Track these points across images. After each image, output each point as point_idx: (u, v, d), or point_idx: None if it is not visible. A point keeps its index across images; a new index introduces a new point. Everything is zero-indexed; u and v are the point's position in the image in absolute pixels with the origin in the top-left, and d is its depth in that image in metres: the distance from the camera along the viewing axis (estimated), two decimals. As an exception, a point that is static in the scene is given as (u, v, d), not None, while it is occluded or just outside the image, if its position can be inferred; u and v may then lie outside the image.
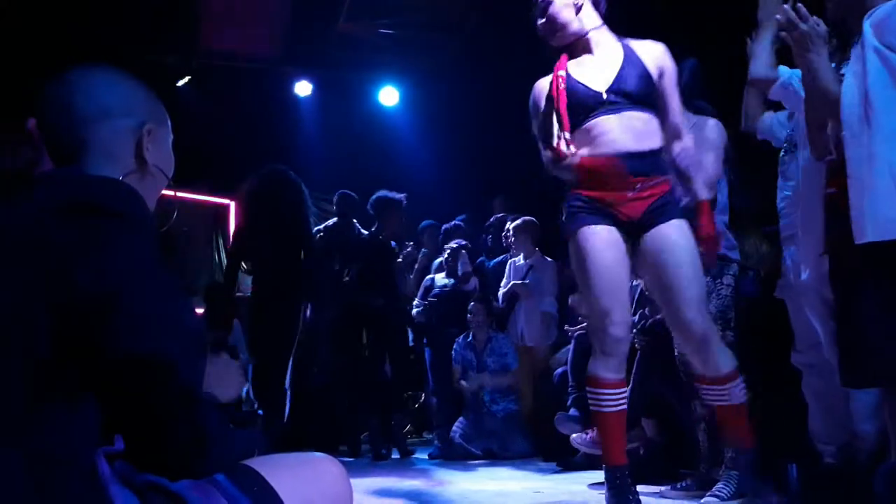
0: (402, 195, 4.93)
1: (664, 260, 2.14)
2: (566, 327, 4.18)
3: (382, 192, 4.92)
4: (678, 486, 2.77)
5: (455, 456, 4.51)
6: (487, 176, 6.74)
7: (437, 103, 7.34)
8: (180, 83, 7.15)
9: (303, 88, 7.55)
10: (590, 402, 2.21)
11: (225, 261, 9.21)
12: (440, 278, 5.24)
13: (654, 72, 2.20)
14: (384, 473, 3.94)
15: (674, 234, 2.15)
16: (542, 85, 2.36)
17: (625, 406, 2.21)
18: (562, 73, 2.25)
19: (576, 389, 3.97)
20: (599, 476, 3.26)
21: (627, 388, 2.20)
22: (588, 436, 3.20)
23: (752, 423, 2.23)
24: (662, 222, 2.15)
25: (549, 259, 5.02)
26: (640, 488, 2.96)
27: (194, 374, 0.92)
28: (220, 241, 9.24)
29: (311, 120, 7.62)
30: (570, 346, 4.10)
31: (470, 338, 4.86)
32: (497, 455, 4.48)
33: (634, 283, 3.10)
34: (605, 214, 2.17)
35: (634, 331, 3.31)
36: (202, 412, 0.91)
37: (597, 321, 2.15)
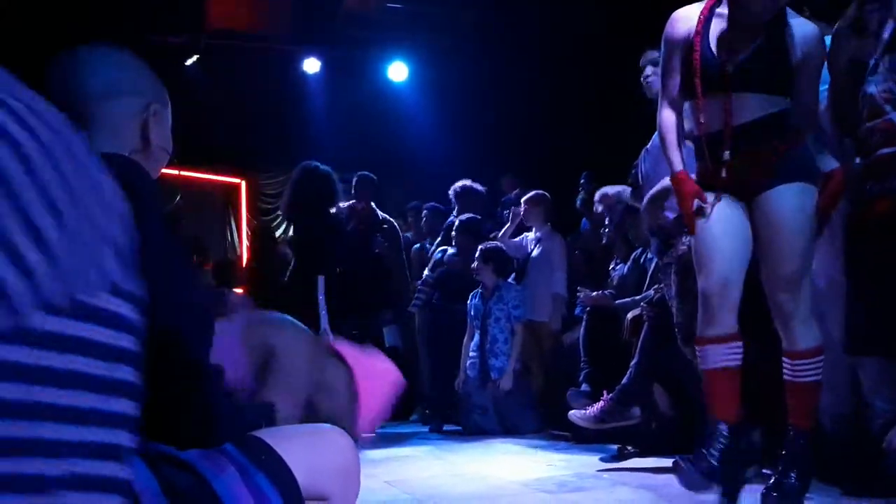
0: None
1: (765, 235, 2.11)
2: (578, 294, 4.16)
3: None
4: (688, 458, 2.77)
5: (469, 432, 4.54)
6: (497, 153, 6.71)
7: (446, 79, 7.29)
8: (188, 62, 7.15)
9: (311, 66, 7.52)
10: (699, 362, 2.17)
11: (236, 238, 9.30)
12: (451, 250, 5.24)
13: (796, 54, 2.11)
14: (392, 445, 3.97)
15: (783, 205, 2.10)
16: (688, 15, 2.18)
17: (730, 363, 2.09)
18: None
19: (588, 365, 3.99)
20: (612, 450, 3.31)
21: (735, 345, 2.09)
22: (588, 411, 3.21)
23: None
24: (776, 185, 2.09)
25: (558, 235, 5.01)
26: (651, 461, 3.00)
27: (203, 346, 0.92)
28: (232, 220, 9.29)
29: (319, 97, 7.60)
30: (582, 323, 4.10)
31: (480, 288, 4.85)
32: (511, 431, 4.51)
33: (649, 255, 3.08)
34: (725, 185, 2.12)
35: (643, 304, 3.31)
36: (211, 384, 0.92)
37: (697, 276, 2.13)
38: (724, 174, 2.10)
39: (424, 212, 5.81)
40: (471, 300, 4.88)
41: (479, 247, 4.81)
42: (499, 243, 4.90)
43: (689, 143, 2.29)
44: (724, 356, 2.10)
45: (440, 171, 6.45)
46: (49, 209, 0.36)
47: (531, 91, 6.51)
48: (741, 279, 2.09)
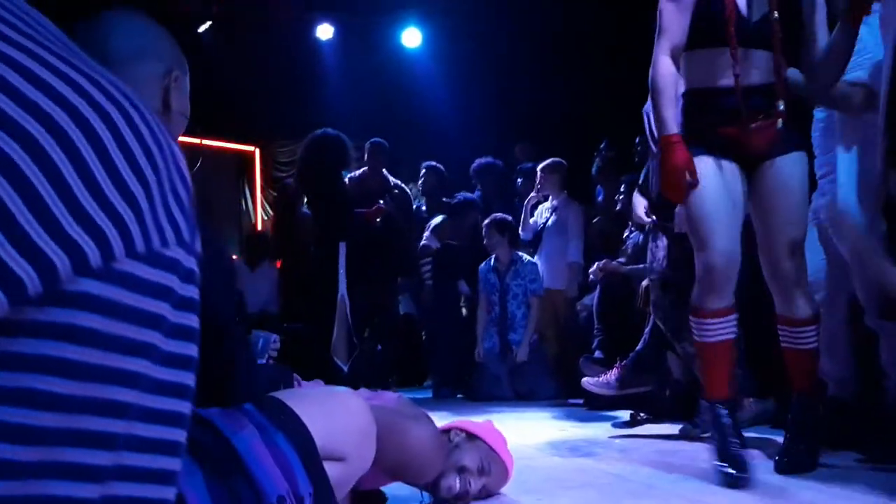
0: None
1: (773, 202, 2.09)
2: (590, 270, 4.17)
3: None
4: (696, 422, 2.79)
5: (482, 398, 4.59)
6: (511, 121, 6.65)
7: (460, 44, 7.20)
8: (201, 29, 7.11)
9: (324, 32, 7.46)
10: (693, 332, 2.15)
11: (251, 207, 9.33)
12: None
13: None
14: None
15: (793, 172, 2.08)
16: None
17: (727, 337, 2.10)
18: None
19: (601, 332, 4.00)
20: (624, 415, 3.33)
21: (732, 317, 2.10)
22: (601, 378, 3.23)
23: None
24: (781, 154, 2.07)
25: (574, 203, 4.99)
26: (664, 427, 3.02)
27: (224, 306, 0.93)
28: (246, 188, 9.30)
29: (333, 64, 7.55)
30: (596, 291, 4.11)
31: (493, 261, 4.85)
32: (525, 398, 4.54)
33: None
34: (722, 144, 2.08)
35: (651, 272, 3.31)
36: (233, 345, 0.93)
37: (696, 249, 2.09)
38: (741, 134, 2.04)
39: (423, 171, 5.69)
40: (483, 272, 4.88)
41: (492, 218, 4.79)
42: (508, 216, 4.89)
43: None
44: (725, 329, 2.10)
45: (454, 137, 6.41)
46: (134, 169, 0.41)
47: (546, 57, 6.41)
48: (740, 249, 2.07)
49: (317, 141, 4.04)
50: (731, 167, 2.09)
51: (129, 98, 0.42)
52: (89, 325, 0.38)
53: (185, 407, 0.45)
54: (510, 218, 4.88)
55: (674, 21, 2.06)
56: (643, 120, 2.98)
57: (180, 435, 0.45)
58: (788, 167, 2.09)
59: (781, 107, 2.02)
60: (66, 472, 0.38)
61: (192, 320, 0.46)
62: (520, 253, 4.87)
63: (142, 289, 0.41)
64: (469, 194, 5.27)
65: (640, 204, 3.06)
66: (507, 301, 4.75)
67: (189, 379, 0.46)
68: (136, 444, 0.41)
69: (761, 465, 2.17)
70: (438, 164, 5.65)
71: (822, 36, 2.06)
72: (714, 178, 2.05)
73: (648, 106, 2.57)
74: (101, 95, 0.40)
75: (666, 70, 2.06)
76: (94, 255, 0.38)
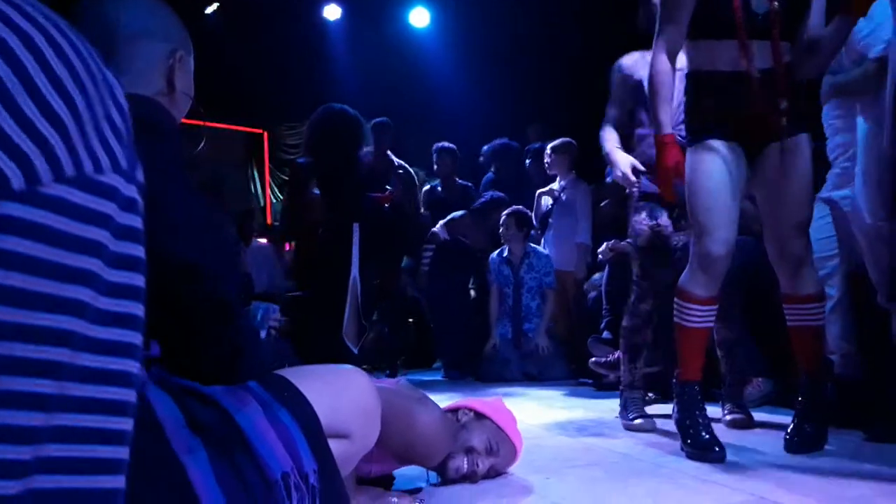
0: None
1: (783, 184, 2.10)
2: (599, 250, 4.15)
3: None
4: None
5: (491, 378, 4.60)
6: (522, 102, 6.60)
7: (469, 24, 7.15)
8: (208, 10, 7.08)
9: (332, 12, 7.41)
10: (674, 313, 2.18)
11: (260, 189, 9.34)
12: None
13: None
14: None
15: (802, 154, 2.08)
16: None
17: (708, 324, 2.17)
18: None
19: (609, 313, 3.99)
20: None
21: (714, 308, 2.15)
22: (609, 358, 3.22)
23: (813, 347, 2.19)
24: (788, 136, 2.07)
25: (583, 183, 4.96)
26: (671, 408, 3.02)
27: (227, 284, 0.93)
28: (254, 170, 9.31)
29: (340, 44, 7.51)
30: (605, 271, 4.09)
31: (506, 252, 4.84)
32: (536, 378, 4.55)
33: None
34: (729, 128, 2.09)
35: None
36: (236, 322, 0.93)
37: (696, 235, 2.12)
38: (747, 118, 2.05)
39: (436, 154, 5.61)
40: (494, 263, 4.87)
41: (514, 211, 4.78)
42: (528, 211, 4.88)
43: None
44: (707, 317, 2.16)
45: (462, 118, 6.37)
46: (59, 92, 0.40)
47: (556, 36, 6.35)
48: (735, 239, 2.11)
49: (332, 117, 4.00)
50: (735, 153, 2.09)
51: (56, 24, 0.41)
52: (14, 248, 0.37)
53: (134, 338, 0.44)
54: (530, 213, 4.88)
55: (676, 14, 2.08)
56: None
57: (132, 366, 0.44)
58: (801, 148, 2.09)
59: (786, 91, 2.03)
60: (8, 402, 0.37)
61: (137, 250, 0.45)
62: (532, 245, 4.86)
63: (73, 214, 0.40)
64: (499, 193, 5.19)
65: (625, 163, 2.74)
66: (521, 294, 4.76)
67: (137, 309, 0.45)
68: (83, 374, 0.41)
69: (770, 443, 2.17)
70: (451, 145, 5.61)
71: (816, 16, 2.06)
72: (718, 167, 2.07)
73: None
74: (23, 19, 0.39)
75: (662, 68, 2.10)
76: (16, 177, 0.37)
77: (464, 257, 5.01)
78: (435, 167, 5.66)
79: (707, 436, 2.04)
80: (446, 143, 5.57)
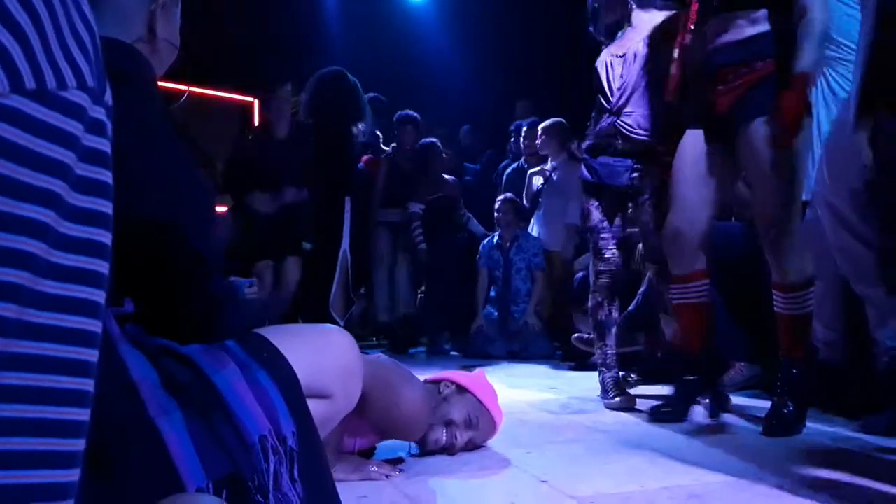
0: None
1: (747, 164, 2.16)
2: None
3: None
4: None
5: (475, 355, 4.61)
6: (515, 76, 6.55)
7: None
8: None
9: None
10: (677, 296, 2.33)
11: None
12: None
13: None
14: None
15: (754, 138, 2.08)
16: None
17: (688, 300, 2.29)
18: None
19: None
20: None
21: (700, 283, 2.27)
22: (590, 334, 3.23)
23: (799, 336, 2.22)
24: (744, 121, 2.09)
25: (574, 163, 4.93)
26: (653, 388, 3.04)
27: (205, 240, 0.91)
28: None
29: (334, 16, 7.41)
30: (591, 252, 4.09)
31: (497, 238, 4.86)
32: (518, 355, 4.57)
33: None
34: (702, 113, 2.21)
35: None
36: (213, 279, 0.91)
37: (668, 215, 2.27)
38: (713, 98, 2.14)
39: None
40: (485, 248, 4.89)
41: (510, 198, 4.81)
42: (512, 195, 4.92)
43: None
44: (688, 294, 2.28)
45: (456, 92, 6.32)
46: (21, 2, 0.37)
47: (552, 12, 6.29)
48: (704, 218, 2.23)
49: (334, 83, 3.94)
50: (703, 140, 2.22)
51: None
52: None
53: (101, 266, 0.42)
54: (525, 206, 4.99)
55: None
56: None
57: (98, 295, 0.42)
58: (755, 131, 2.07)
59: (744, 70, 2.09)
60: None
61: (105, 175, 0.43)
62: (521, 230, 4.89)
63: (34, 130, 0.37)
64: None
65: None
66: (510, 275, 4.78)
67: (104, 237, 0.43)
68: (43, 300, 0.39)
69: (748, 427, 2.18)
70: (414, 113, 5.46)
71: None
72: (690, 157, 2.22)
73: None
74: None
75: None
76: None
77: (443, 213, 5.01)
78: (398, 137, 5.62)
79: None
80: (409, 110, 5.51)
